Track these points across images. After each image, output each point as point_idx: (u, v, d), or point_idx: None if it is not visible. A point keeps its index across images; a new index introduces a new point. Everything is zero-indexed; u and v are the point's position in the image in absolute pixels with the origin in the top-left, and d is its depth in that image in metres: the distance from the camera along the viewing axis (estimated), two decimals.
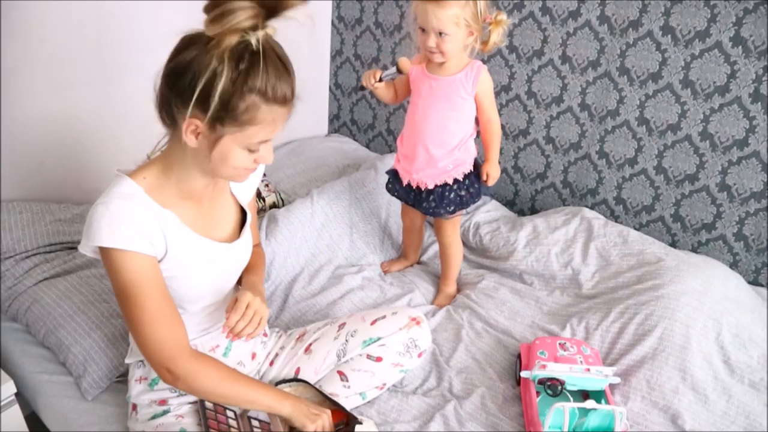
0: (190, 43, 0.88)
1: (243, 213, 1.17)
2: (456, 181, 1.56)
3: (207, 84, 0.85)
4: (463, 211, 1.64)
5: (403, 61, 1.46)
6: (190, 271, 1.03)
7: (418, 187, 1.59)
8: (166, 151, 1.01)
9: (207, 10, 0.83)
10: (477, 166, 1.59)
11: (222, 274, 1.11)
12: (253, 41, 0.85)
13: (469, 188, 1.58)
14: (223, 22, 0.81)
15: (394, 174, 1.68)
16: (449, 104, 1.48)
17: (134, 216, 0.94)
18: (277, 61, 0.88)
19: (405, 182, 1.62)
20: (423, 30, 1.39)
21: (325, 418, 1.09)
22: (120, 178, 0.99)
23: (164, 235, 0.98)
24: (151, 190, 0.99)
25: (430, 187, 1.57)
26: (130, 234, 0.92)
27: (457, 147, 1.53)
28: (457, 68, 1.46)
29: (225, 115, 0.88)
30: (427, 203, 1.60)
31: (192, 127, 0.90)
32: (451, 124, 1.50)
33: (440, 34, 1.36)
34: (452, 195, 1.57)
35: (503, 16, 1.40)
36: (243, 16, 0.82)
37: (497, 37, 1.42)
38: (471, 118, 1.52)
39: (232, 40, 0.83)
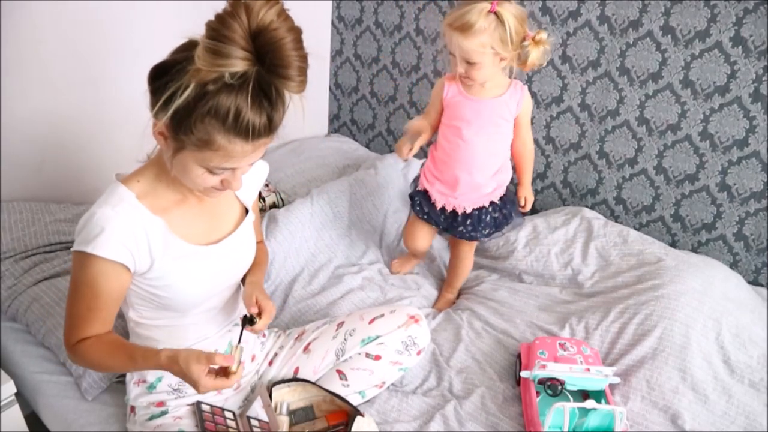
0: (185, 48, 0.86)
1: (247, 213, 1.16)
2: (492, 203, 1.51)
3: (174, 93, 0.82)
4: (499, 234, 1.58)
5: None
6: (181, 278, 1.03)
7: (453, 211, 1.52)
8: (159, 150, 1.00)
9: (209, 32, 0.78)
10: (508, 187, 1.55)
11: (220, 276, 1.10)
12: (228, 77, 0.79)
13: (502, 209, 1.53)
14: (216, 61, 0.78)
15: (423, 195, 1.57)
16: (494, 127, 1.43)
17: (121, 226, 0.93)
18: (257, 93, 0.82)
19: (440, 206, 1.53)
20: (453, 55, 1.33)
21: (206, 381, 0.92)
22: (114, 184, 0.98)
23: (149, 245, 0.97)
24: (144, 194, 0.98)
25: (468, 210, 1.51)
26: (114, 244, 0.92)
27: (500, 169, 1.49)
28: (501, 89, 1.41)
29: (183, 131, 0.85)
30: (463, 227, 1.53)
31: (159, 128, 0.89)
32: (496, 146, 1.46)
33: (468, 62, 1.31)
34: (488, 218, 1.52)
35: (543, 36, 1.29)
36: (235, 66, 0.78)
37: (537, 57, 1.31)
38: (510, 139, 1.48)
39: (212, 75, 0.80)
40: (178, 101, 0.82)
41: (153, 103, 0.87)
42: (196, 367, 0.90)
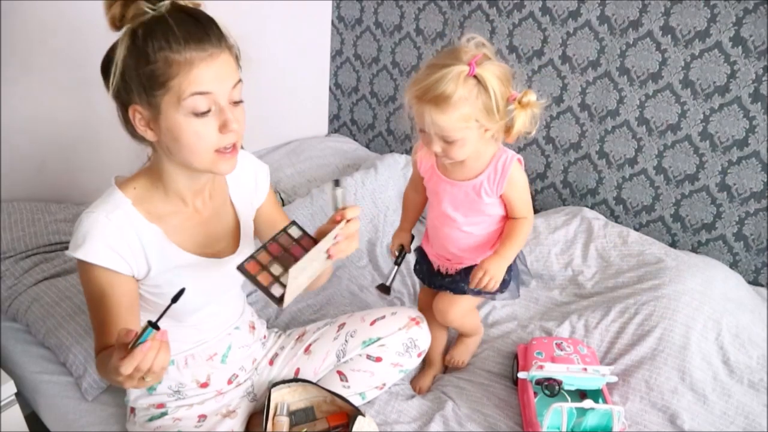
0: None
1: (244, 226, 1.13)
2: None
3: (115, 60, 0.86)
4: (489, 297, 1.33)
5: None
6: (177, 286, 1.01)
7: (447, 271, 1.35)
8: (151, 157, 0.99)
9: (106, 6, 0.87)
10: None
11: (216, 289, 1.09)
12: (146, 7, 0.84)
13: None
14: None
15: (422, 254, 1.39)
16: (473, 211, 1.21)
17: (112, 232, 0.92)
18: (180, 15, 0.85)
19: (436, 268, 1.37)
20: (423, 131, 1.09)
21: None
22: (110, 188, 0.98)
23: (145, 253, 0.96)
24: (140, 201, 0.97)
25: (454, 271, 1.34)
26: (102, 249, 0.91)
27: (489, 244, 1.27)
28: (479, 167, 1.16)
29: (146, 82, 0.85)
30: (449, 278, 1.34)
31: (138, 116, 0.89)
32: (478, 229, 1.24)
33: (446, 140, 1.07)
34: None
35: (531, 97, 1.05)
36: None
37: (523, 124, 1.08)
38: (501, 213, 1.24)
39: (129, 11, 0.84)
40: (121, 51, 0.86)
41: (123, 96, 0.89)
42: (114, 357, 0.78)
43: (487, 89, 1.02)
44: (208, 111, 0.87)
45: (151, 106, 0.87)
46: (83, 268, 0.94)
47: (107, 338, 0.93)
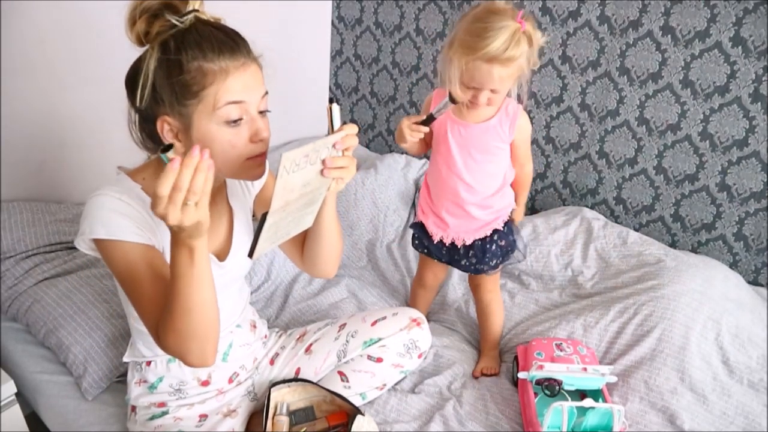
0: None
1: (237, 228, 1.12)
2: (496, 231, 1.38)
3: (144, 71, 0.87)
4: (504, 265, 1.45)
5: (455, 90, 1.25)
6: None
7: (453, 244, 1.40)
8: (157, 164, 0.99)
9: (130, 13, 0.86)
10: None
11: (216, 283, 1.09)
12: (173, 20, 0.85)
13: (508, 236, 1.40)
14: (136, 12, 0.84)
15: (420, 228, 1.45)
16: (484, 154, 1.30)
17: (128, 208, 0.91)
18: (207, 28, 0.87)
19: (437, 239, 1.41)
20: (469, 87, 1.19)
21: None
22: (119, 176, 0.98)
23: (159, 234, 0.95)
24: (150, 190, 0.96)
25: (469, 242, 1.39)
26: (121, 224, 0.89)
27: (495, 197, 1.36)
28: (490, 112, 1.27)
29: (179, 92, 0.86)
30: (466, 260, 1.41)
31: (166, 128, 0.89)
32: (487, 176, 1.33)
33: (493, 90, 1.18)
34: (494, 247, 1.39)
35: (537, 35, 1.18)
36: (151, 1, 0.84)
37: (534, 62, 1.22)
38: (507, 164, 1.35)
39: (155, 27, 0.85)
40: (152, 63, 0.86)
41: (145, 102, 0.89)
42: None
43: (533, 43, 1.15)
44: (240, 120, 0.89)
45: (182, 116, 0.88)
46: (107, 248, 0.90)
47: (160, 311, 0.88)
